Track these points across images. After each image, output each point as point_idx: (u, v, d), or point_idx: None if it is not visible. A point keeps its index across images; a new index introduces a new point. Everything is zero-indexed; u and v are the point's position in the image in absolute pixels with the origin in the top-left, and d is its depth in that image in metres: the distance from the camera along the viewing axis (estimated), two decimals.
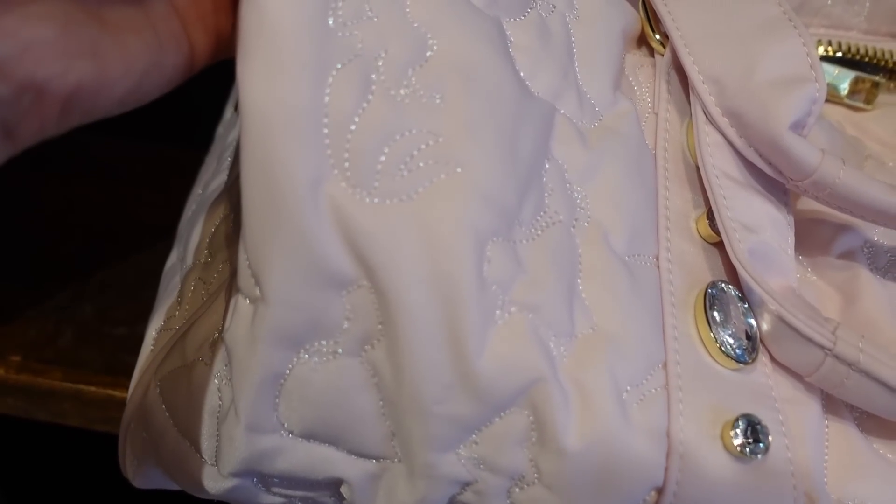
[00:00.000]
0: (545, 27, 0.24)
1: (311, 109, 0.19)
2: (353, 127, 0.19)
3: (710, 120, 0.24)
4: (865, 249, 0.26)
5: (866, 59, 0.32)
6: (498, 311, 0.20)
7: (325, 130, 0.19)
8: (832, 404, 0.23)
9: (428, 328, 0.19)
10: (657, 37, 0.27)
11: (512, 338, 0.20)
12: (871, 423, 0.23)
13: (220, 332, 0.22)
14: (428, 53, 0.21)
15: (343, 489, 0.22)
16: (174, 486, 0.26)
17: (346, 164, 0.19)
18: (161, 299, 0.27)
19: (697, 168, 0.25)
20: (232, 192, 0.26)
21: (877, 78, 0.31)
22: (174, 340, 0.24)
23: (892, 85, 0.32)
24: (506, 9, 0.23)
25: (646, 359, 0.21)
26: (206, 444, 0.22)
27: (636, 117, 0.25)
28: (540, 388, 0.20)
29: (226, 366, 0.21)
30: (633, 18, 0.27)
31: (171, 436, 0.23)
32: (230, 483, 0.23)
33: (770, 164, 0.24)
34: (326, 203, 0.19)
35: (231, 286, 0.22)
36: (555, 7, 0.25)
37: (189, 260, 0.26)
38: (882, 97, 0.32)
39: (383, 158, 0.19)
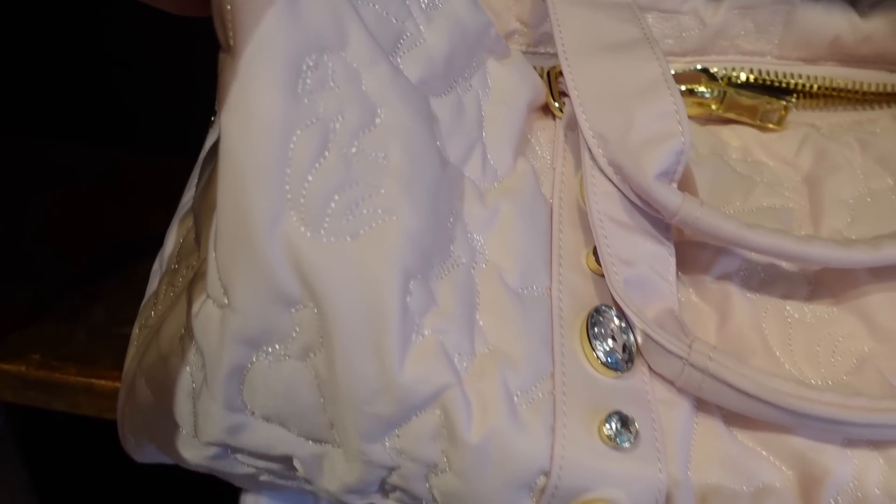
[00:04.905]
0: (461, 104, 0.29)
1: (276, 160, 0.23)
2: (310, 177, 0.24)
3: (600, 169, 0.29)
4: (742, 272, 0.31)
5: (776, 84, 0.36)
6: (414, 334, 0.25)
7: (287, 178, 0.23)
8: (704, 404, 0.28)
9: (358, 345, 0.24)
10: (557, 104, 0.32)
11: (425, 355, 0.25)
12: (736, 418, 0.28)
13: (185, 328, 0.27)
14: (377, 120, 0.26)
15: (296, 464, 0.28)
16: (167, 461, 0.32)
17: (302, 208, 0.24)
18: (145, 299, 0.32)
19: None
20: (195, 208, 0.31)
21: (786, 100, 0.36)
22: (150, 337, 0.29)
23: (800, 104, 0.37)
24: (433, 88, 0.28)
25: (534, 371, 0.26)
26: (186, 420, 0.28)
27: (533, 175, 0.30)
28: (448, 394, 0.25)
29: (195, 355, 0.26)
30: (539, 91, 0.32)
31: (158, 416, 0.28)
32: (209, 452, 0.28)
33: (648, 205, 0.29)
34: (282, 238, 0.24)
35: (191, 290, 0.27)
36: (471, 86, 0.30)
37: (164, 265, 0.32)
38: (791, 116, 0.36)
39: (333, 205, 0.24)
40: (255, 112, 0.23)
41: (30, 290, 0.45)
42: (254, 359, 0.25)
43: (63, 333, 0.43)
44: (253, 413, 0.27)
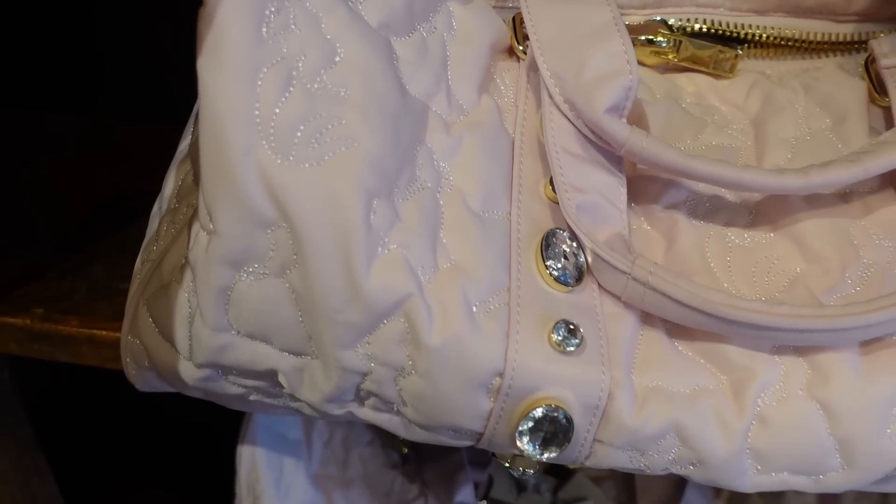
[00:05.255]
0: (425, 45, 0.32)
1: (246, 96, 0.26)
2: (277, 110, 0.27)
3: (557, 106, 0.32)
4: (689, 202, 0.34)
5: (729, 33, 0.39)
6: (380, 248, 0.28)
7: (256, 112, 0.27)
8: (649, 318, 0.31)
9: (328, 259, 0.27)
10: (521, 47, 0.34)
11: (390, 266, 0.28)
12: (677, 330, 0.31)
13: (185, 258, 0.30)
14: (337, 59, 0.28)
15: (280, 378, 0.30)
16: (167, 388, 0.35)
17: (272, 137, 0.27)
18: (146, 239, 0.35)
19: None
20: (191, 152, 0.34)
21: (738, 50, 0.38)
22: (153, 269, 0.32)
23: (749, 53, 0.39)
24: (395, 30, 0.31)
25: (492, 284, 0.29)
26: (182, 344, 0.30)
27: (497, 110, 0.33)
28: (411, 302, 0.28)
29: (191, 282, 0.29)
30: (503, 33, 0.35)
31: (158, 340, 0.31)
32: (202, 374, 0.31)
33: (600, 139, 0.32)
34: (255, 165, 0.27)
35: (191, 224, 0.30)
36: (436, 28, 0.32)
37: (164, 207, 0.34)
38: (742, 64, 0.39)
39: (299, 134, 0.27)
40: (225, 54, 0.26)
41: (31, 251, 0.47)
42: (237, 278, 0.28)
43: (64, 289, 0.46)
44: (238, 332, 0.30)
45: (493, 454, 0.32)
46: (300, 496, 0.53)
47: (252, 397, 0.34)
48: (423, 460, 0.60)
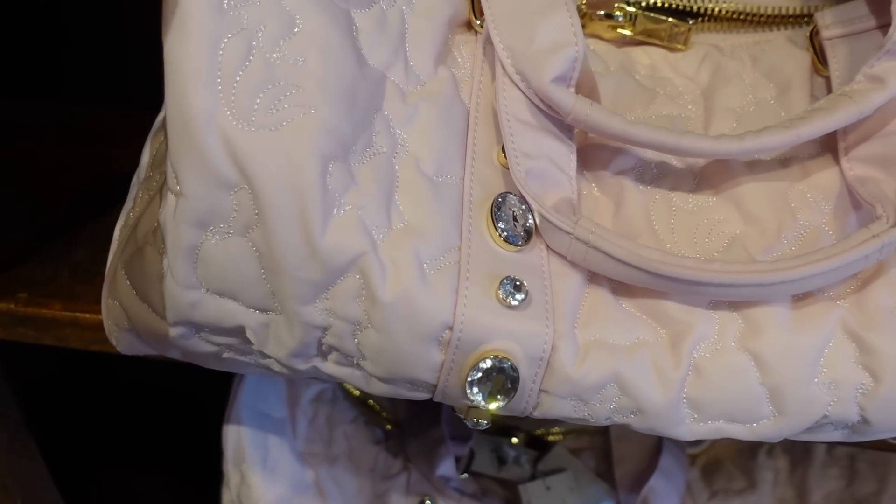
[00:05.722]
0: (384, 17, 0.33)
1: (208, 65, 0.28)
2: (238, 78, 0.29)
3: (509, 77, 0.34)
4: (637, 168, 0.36)
5: (683, 8, 0.40)
6: (335, 209, 0.30)
7: (218, 80, 0.29)
8: (596, 278, 0.33)
9: (287, 219, 0.29)
10: (478, 22, 0.36)
11: (345, 226, 0.30)
12: (622, 288, 0.33)
13: (158, 222, 0.31)
14: (295, 29, 0.30)
15: (248, 335, 0.32)
16: (147, 350, 0.36)
17: (233, 104, 0.29)
18: (124, 208, 0.37)
19: None
20: (164, 124, 0.36)
21: (690, 23, 0.40)
22: (129, 234, 0.34)
23: (703, 27, 0.41)
24: (355, 2, 0.33)
25: (443, 244, 0.31)
26: (158, 303, 0.32)
27: (453, 81, 0.34)
28: (365, 259, 0.30)
29: (163, 243, 0.31)
30: (462, 8, 0.36)
31: (135, 301, 0.33)
32: (177, 332, 0.33)
33: (550, 108, 0.33)
34: (218, 130, 0.28)
35: (163, 190, 0.32)
36: (395, 1, 0.34)
37: (141, 176, 0.36)
38: (695, 37, 0.40)
39: (259, 101, 0.29)
40: (188, 25, 0.28)
41: (15, 236, 0.48)
42: (203, 238, 0.30)
43: (48, 273, 0.47)
44: (207, 289, 0.31)
45: (453, 408, 0.34)
46: (287, 473, 0.55)
47: (225, 355, 0.35)
48: (405, 436, 0.61)
